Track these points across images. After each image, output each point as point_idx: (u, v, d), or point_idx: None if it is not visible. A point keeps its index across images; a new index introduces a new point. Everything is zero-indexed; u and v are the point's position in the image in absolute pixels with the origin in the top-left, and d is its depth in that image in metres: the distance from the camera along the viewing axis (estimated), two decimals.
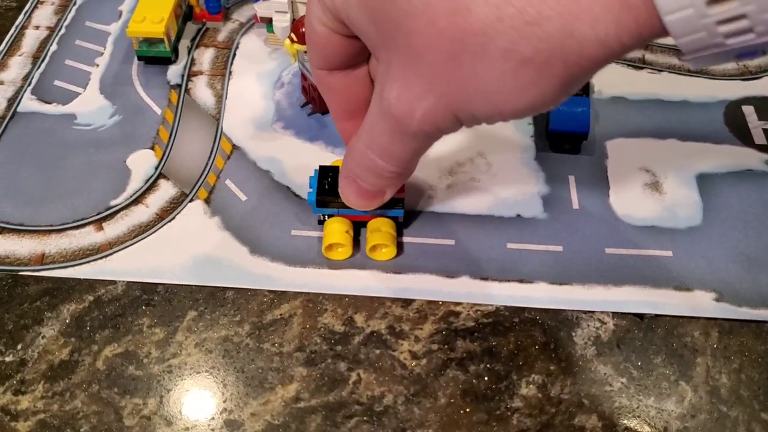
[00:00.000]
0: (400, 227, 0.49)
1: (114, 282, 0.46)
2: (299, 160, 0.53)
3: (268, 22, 0.60)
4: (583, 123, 0.53)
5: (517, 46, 0.26)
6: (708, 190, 0.52)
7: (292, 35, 0.51)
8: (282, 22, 0.59)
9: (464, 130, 0.56)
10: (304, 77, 0.55)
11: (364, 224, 0.48)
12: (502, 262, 0.48)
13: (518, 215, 0.50)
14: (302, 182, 0.52)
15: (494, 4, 0.26)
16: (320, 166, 0.48)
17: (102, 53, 0.61)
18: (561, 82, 0.28)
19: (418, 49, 0.29)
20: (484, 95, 0.29)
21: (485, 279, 0.47)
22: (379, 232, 0.47)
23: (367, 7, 0.31)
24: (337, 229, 0.47)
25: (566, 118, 0.53)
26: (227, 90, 0.58)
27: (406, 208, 0.49)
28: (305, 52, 0.52)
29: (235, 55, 0.61)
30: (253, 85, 0.58)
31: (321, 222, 0.48)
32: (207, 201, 0.50)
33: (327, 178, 0.47)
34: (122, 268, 0.47)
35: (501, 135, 0.55)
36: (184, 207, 0.50)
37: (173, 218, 0.49)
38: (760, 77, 0.60)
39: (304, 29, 0.50)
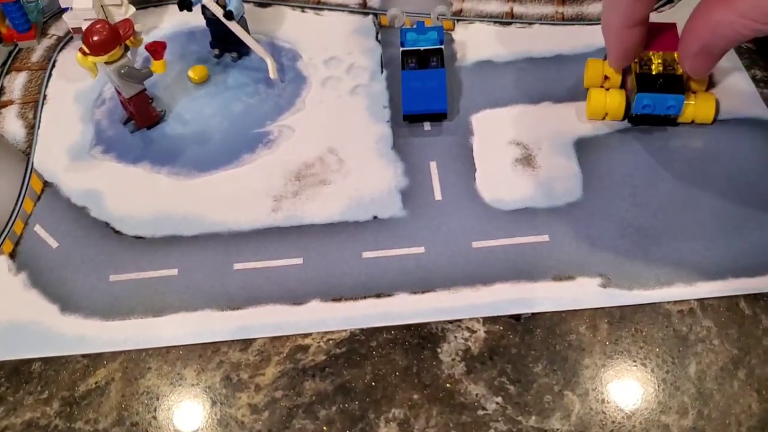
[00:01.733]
0: None
1: None
2: (121, 188, 0.46)
3: (82, 33, 0.52)
4: (438, 100, 0.46)
5: None
6: (588, 157, 0.45)
7: (83, 47, 0.44)
8: None
9: (310, 124, 0.49)
10: (117, 92, 0.47)
11: None
12: (357, 277, 0.41)
13: (375, 217, 0.43)
14: (123, 214, 0.44)
15: None
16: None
17: None
18: None
19: None
20: None
21: (338, 300, 0.40)
22: None
23: None
24: None
25: (420, 97, 0.47)
26: (40, 118, 0.50)
27: (241, 227, 0.43)
28: (107, 62, 0.44)
29: (51, 75, 0.53)
30: (70, 108, 0.51)
31: None
32: (12, 255, 0.43)
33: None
34: None
35: (353, 124, 0.48)
36: None
37: None
38: None
39: (96, 38, 0.43)
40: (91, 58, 0.44)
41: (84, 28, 0.51)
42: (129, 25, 0.45)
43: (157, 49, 0.45)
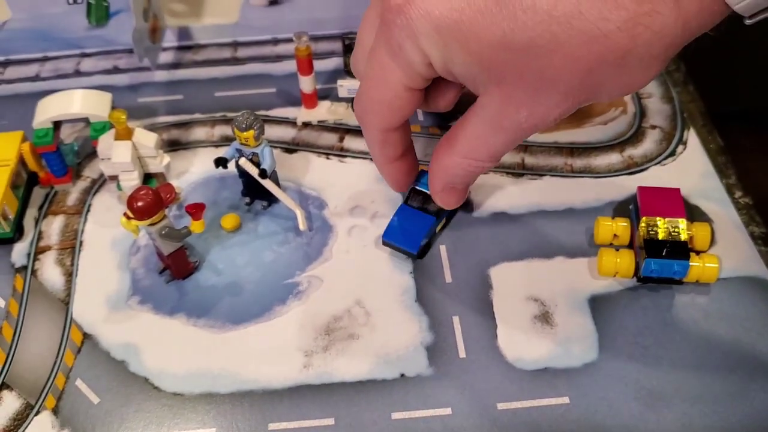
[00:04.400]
0: None
1: None
2: (158, 341, 0.48)
3: (118, 179, 0.55)
4: (412, 242, 0.51)
5: (650, 50, 0.34)
6: (602, 315, 0.48)
7: (127, 212, 0.47)
8: (130, 180, 0.54)
9: (338, 275, 0.52)
10: (155, 245, 0.50)
11: None
12: None
13: (402, 375, 0.46)
14: (160, 369, 0.46)
15: (627, 29, 0.33)
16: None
17: None
18: (667, 58, 0.36)
19: (553, 77, 0.36)
20: (619, 87, 0.37)
21: None
22: None
23: (479, 60, 0.37)
24: None
25: (400, 232, 0.51)
26: (78, 265, 0.52)
27: (274, 385, 0.45)
28: (150, 224, 0.47)
29: (86, 220, 0.55)
30: (106, 255, 0.53)
31: None
32: (55, 411, 0.45)
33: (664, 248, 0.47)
34: None
35: (379, 275, 0.51)
36: (29, 423, 0.44)
37: None
38: (647, 168, 0.56)
39: (141, 204, 0.46)
40: (134, 222, 0.47)
41: (120, 177, 0.54)
42: (170, 190, 0.48)
43: (196, 211, 0.48)
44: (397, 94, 0.42)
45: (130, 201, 0.46)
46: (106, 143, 0.54)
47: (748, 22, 0.34)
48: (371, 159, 0.58)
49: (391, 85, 0.42)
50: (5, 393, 0.46)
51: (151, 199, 0.46)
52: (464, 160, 0.43)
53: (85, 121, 0.57)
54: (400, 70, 0.40)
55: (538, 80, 0.36)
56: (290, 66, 0.65)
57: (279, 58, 0.68)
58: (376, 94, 0.43)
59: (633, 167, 0.56)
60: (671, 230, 0.48)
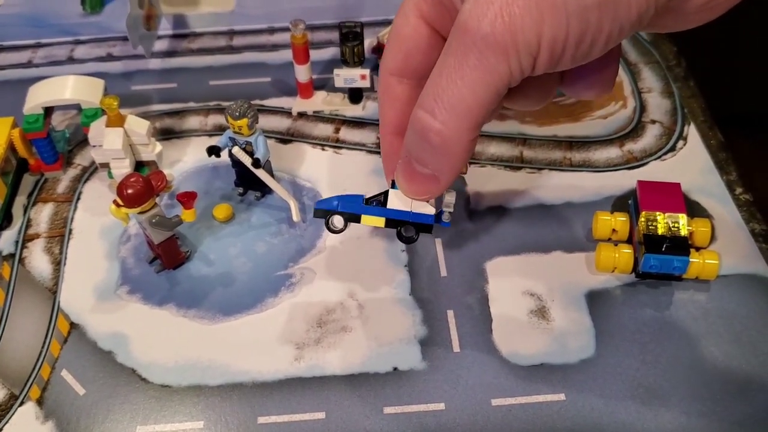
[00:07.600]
0: None
1: None
2: (147, 332, 0.47)
3: (108, 167, 0.54)
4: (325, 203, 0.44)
5: None
6: (599, 311, 0.47)
7: (117, 199, 0.46)
8: (120, 168, 0.53)
9: (331, 267, 0.51)
10: (145, 233, 0.49)
11: None
12: None
13: (395, 368, 0.45)
14: (149, 360, 0.46)
15: None
16: None
17: None
18: None
19: None
20: None
21: None
22: None
23: None
24: None
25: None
26: (66, 253, 0.51)
27: (264, 377, 0.44)
28: (140, 212, 0.46)
29: (76, 208, 0.54)
30: (95, 244, 0.52)
31: None
32: (40, 402, 0.44)
33: None
34: None
35: (372, 267, 0.50)
36: (13, 414, 0.43)
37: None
38: (646, 163, 0.56)
39: (131, 191, 0.45)
40: (124, 210, 0.46)
41: (111, 164, 0.53)
42: (161, 178, 0.47)
43: (187, 200, 0.47)
44: (408, 20, 0.38)
45: (120, 188, 0.45)
46: (97, 130, 0.53)
47: None
48: (367, 151, 0.58)
49: (405, 12, 0.38)
50: None
51: (142, 186, 0.45)
52: (417, 110, 0.34)
53: (77, 107, 0.56)
54: None
55: None
56: (286, 55, 0.64)
57: (275, 47, 0.67)
58: (392, 30, 0.39)
59: (632, 162, 0.56)
60: (671, 225, 0.47)
